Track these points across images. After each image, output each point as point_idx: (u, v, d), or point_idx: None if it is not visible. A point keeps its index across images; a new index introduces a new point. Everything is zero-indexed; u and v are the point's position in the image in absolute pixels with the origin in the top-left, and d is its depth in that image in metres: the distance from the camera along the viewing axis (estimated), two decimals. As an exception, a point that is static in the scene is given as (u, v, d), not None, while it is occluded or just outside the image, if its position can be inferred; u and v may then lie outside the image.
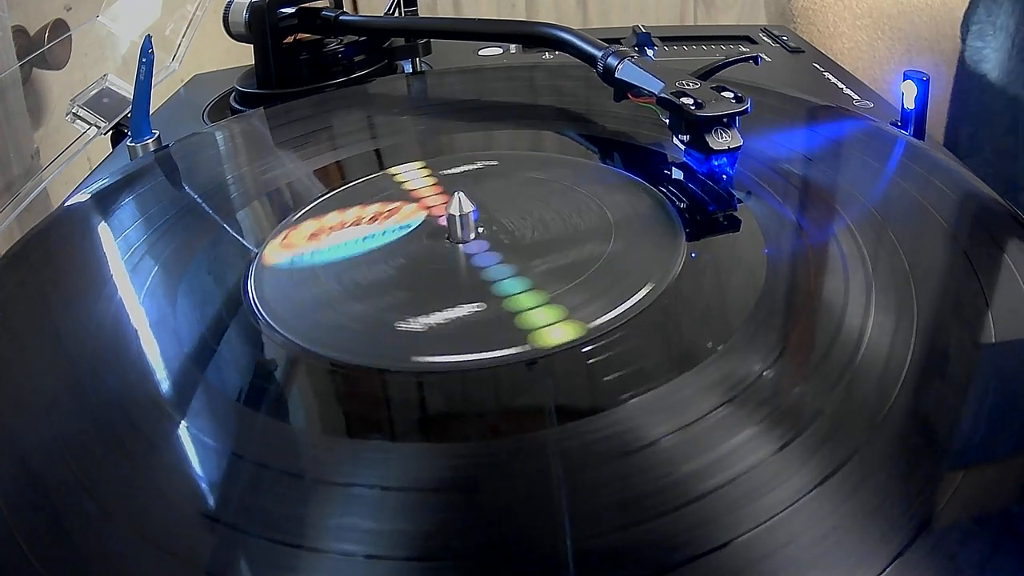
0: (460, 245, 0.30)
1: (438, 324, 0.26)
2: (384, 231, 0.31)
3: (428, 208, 0.33)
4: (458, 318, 0.26)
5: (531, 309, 0.26)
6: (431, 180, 0.35)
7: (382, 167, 0.38)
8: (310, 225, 0.32)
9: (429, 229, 0.31)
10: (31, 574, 0.19)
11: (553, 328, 0.25)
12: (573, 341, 0.24)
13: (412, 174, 0.36)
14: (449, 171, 0.36)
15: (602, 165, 0.37)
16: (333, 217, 0.33)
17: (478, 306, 0.26)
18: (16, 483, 0.22)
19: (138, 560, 0.19)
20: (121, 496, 0.21)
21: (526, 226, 0.31)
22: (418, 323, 0.26)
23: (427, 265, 0.29)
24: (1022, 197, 0.56)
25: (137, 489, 0.21)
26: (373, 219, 0.32)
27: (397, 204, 0.33)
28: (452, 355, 0.24)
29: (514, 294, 0.27)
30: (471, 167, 0.36)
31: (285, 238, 0.32)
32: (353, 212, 0.33)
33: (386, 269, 0.29)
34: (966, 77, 0.60)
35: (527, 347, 0.24)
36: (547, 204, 0.32)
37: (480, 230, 0.30)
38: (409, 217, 0.32)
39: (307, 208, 0.34)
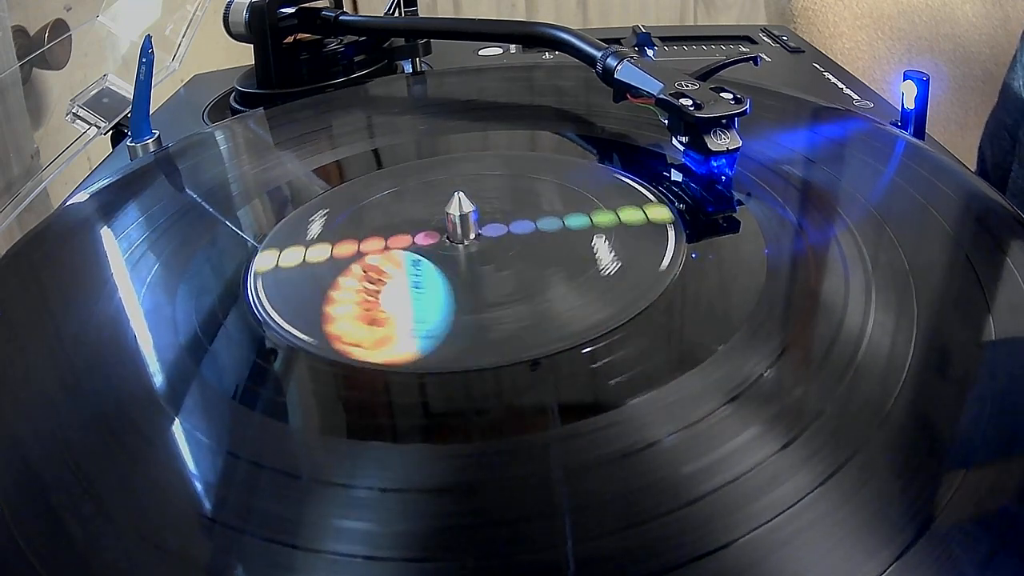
0: (460, 245, 0.30)
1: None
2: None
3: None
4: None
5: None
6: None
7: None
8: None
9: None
10: (31, 574, 0.19)
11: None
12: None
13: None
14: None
15: (601, 166, 0.37)
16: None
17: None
18: (16, 483, 0.22)
19: (139, 560, 0.19)
20: (122, 496, 0.21)
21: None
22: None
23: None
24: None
25: (137, 489, 0.21)
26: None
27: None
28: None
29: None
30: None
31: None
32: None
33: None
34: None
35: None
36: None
37: (480, 231, 0.30)
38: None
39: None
